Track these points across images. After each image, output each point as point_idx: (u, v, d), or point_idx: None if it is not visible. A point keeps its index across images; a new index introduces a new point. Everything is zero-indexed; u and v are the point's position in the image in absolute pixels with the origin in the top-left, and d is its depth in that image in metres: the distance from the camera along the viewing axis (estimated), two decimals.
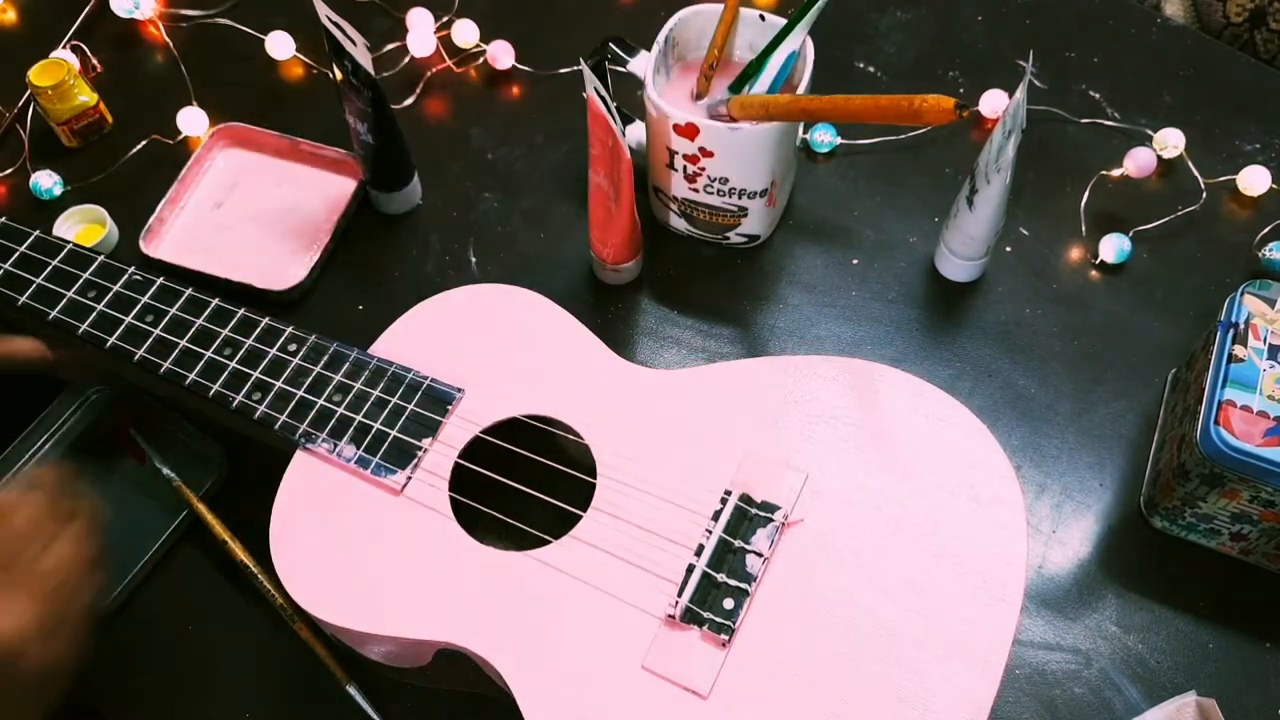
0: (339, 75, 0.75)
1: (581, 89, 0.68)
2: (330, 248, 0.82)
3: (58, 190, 0.85)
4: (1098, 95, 0.89)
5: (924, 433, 0.65)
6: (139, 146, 0.87)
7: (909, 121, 0.63)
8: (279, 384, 0.68)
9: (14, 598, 0.54)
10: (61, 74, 0.84)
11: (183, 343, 0.69)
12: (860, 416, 0.65)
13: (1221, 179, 0.84)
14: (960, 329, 0.79)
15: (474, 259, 0.83)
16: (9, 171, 0.87)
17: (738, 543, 0.62)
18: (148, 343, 0.69)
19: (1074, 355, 0.78)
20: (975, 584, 0.60)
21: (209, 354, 0.69)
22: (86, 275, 0.71)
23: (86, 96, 0.86)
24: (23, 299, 0.71)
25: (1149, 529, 0.71)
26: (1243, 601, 0.69)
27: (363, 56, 0.74)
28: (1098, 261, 0.81)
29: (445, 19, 0.93)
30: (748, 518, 0.62)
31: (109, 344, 0.69)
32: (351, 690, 0.66)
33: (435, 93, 0.91)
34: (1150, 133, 0.86)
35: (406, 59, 0.91)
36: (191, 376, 0.68)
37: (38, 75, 0.84)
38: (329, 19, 0.72)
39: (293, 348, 0.69)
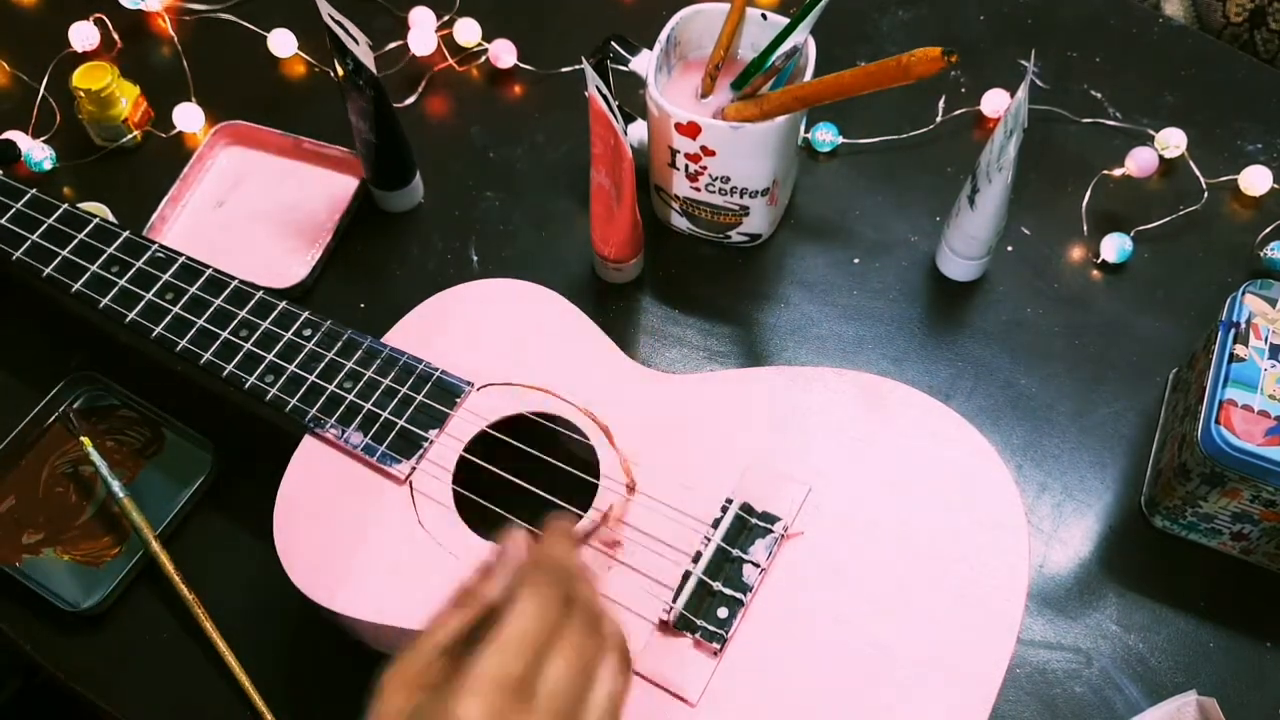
0: (341, 73, 0.75)
1: (583, 88, 0.68)
2: (332, 246, 0.82)
3: (48, 165, 0.86)
4: (1099, 95, 0.89)
5: (930, 452, 0.64)
6: (132, 135, 0.87)
7: (901, 81, 0.62)
8: (292, 368, 0.68)
9: None
10: (105, 78, 0.84)
11: (200, 322, 0.70)
12: (867, 432, 0.65)
13: (1223, 179, 0.84)
14: (961, 328, 0.79)
15: (475, 257, 0.83)
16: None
17: (736, 552, 0.61)
18: (166, 320, 0.70)
19: (1075, 355, 0.78)
20: (973, 609, 0.60)
21: (225, 334, 0.69)
22: (110, 250, 0.72)
23: (127, 98, 0.86)
24: (48, 270, 0.72)
25: (1150, 528, 0.71)
26: (1243, 601, 0.70)
27: (365, 55, 0.74)
28: (1099, 261, 0.81)
29: (447, 17, 0.93)
30: (747, 527, 0.62)
31: (129, 319, 0.70)
32: None
33: (437, 91, 0.91)
34: (1152, 132, 0.86)
35: (408, 57, 0.91)
36: (207, 356, 0.69)
37: (81, 79, 0.84)
38: (331, 17, 0.72)
39: (307, 332, 0.69)
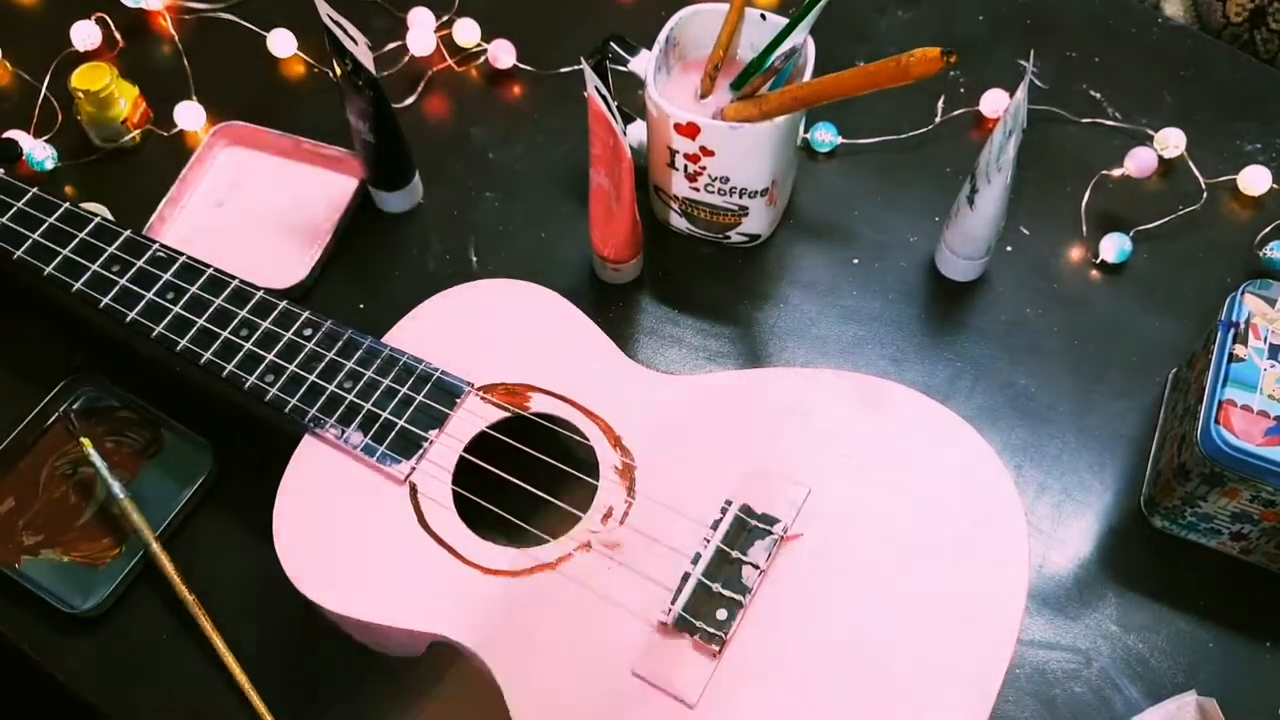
0: (340, 74, 0.75)
1: (583, 88, 0.68)
2: (331, 247, 0.82)
3: (50, 164, 0.86)
4: (1098, 95, 0.89)
5: (931, 454, 0.64)
6: (131, 135, 0.87)
7: (900, 81, 0.62)
8: (292, 367, 0.68)
9: None
10: (104, 79, 0.84)
11: (201, 321, 0.70)
12: (867, 433, 0.65)
13: (1222, 178, 0.84)
14: (961, 328, 0.79)
15: (475, 258, 0.83)
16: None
17: (735, 553, 0.61)
18: (166, 319, 0.70)
19: (1074, 355, 0.78)
20: (973, 609, 0.60)
21: (226, 334, 0.69)
22: (111, 249, 0.72)
23: (126, 99, 0.86)
24: (48, 269, 0.72)
25: (1149, 528, 0.71)
26: (1243, 601, 0.70)
27: (364, 55, 0.74)
28: (1098, 261, 0.81)
29: (446, 18, 0.93)
30: (746, 529, 0.62)
31: (129, 319, 0.70)
32: None
33: (436, 92, 0.91)
34: (1151, 132, 0.86)
35: (407, 58, 0.91)
36: (207, 355, 0.69)
37: (80, 80, 0.84)
38: (330, 17, 0.72)
39: (308, 332, 0.69)
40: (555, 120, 0.89)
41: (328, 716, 0.68)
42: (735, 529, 0.62)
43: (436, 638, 0.61)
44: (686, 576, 0.61)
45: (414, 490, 0.64)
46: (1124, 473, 0.74)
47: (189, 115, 0.88)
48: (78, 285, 0.71)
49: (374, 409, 0.67)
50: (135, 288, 0.71)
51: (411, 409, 0.67)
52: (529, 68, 0.91)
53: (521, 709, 0.57)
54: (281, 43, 0.92)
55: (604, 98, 0.67)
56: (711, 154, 0.73)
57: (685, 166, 0.75)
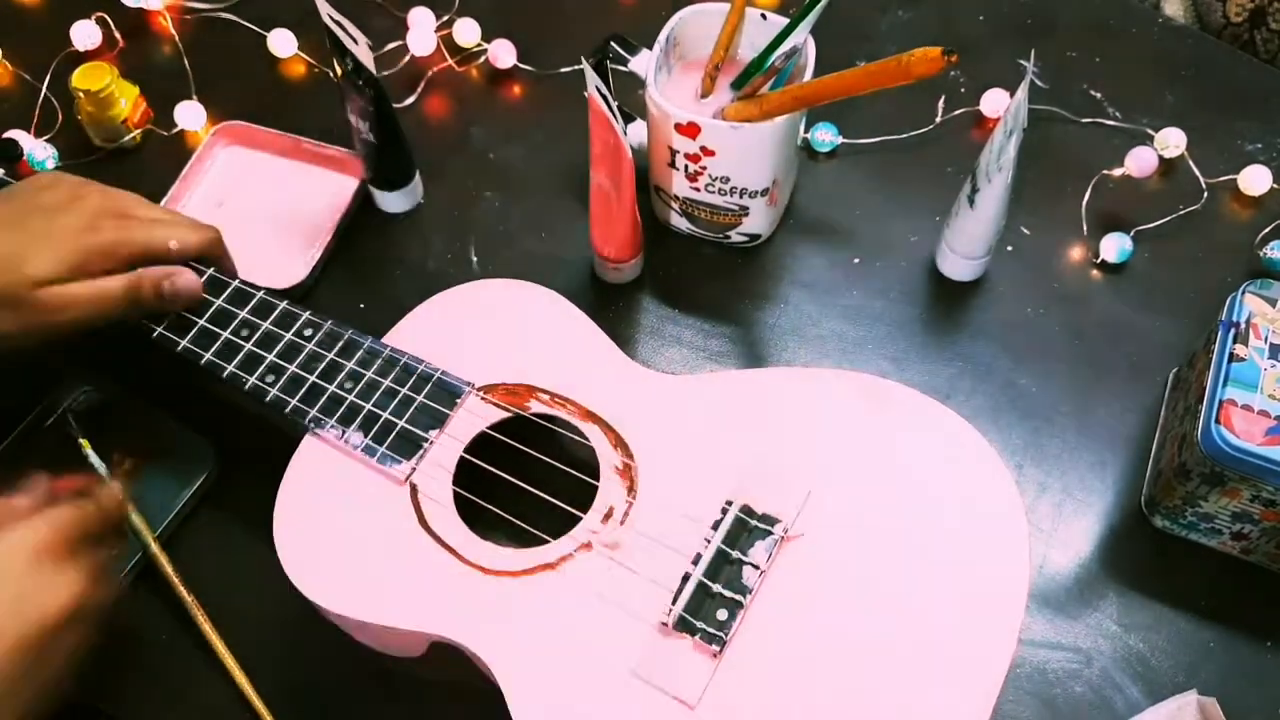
0: (340, 73, 0.75)
1: (583, 88, 0.68)
2: (332, 246, 0.82)
3: (50, 164, 0.86)
4: (1099, 95, 0.89)
5: (930, 452, 0.64)
6: (132, 135, 0.87)
7: (901, 80, 0.62)
8: (292, 368, 0.68)
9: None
10: (105, 79, 0.84)
11: (201, 322, 0.70)
12: (867, 432, 0.65)
13: (1222, 178, 0.84)
14: (961, 328, 0.79)
15: (475, 258, 0.83)
16: None
17: (735, 554, 0.61)
18: (166, 320, 0.70)
19: (1075, 354, 0.78)
20: (974, 609, 0.60)
21: (226, 334, 0.69)
22: None
23: (126, 99, 0.86)
24: None
25: (1150, 528, 0.71)
26: (1244, 601, 0.70)
27: (364, 55, 0.74)
28: (1099, 261, 0.81)
29: (446, 17, 0.93)
30: (747, 529, 0.62)
31: (130, 321, 0.70)
32: None
33: (436, 91, 0.91)
34: (1151, 132, 0.86)
35: (408, 58, 0.91)
36: (207, 356, 0.69)
37: (80, 79, 0.84)
38: (330, 17, 0.72)
39: (308, 333, 0.69)
40: (556, 120, 0.89)
41: (327, 717, 0.68)
42: (736, 529, 0.62)
43: (437, 638, 0.61)
44: (687, 577, 0.60)
45: (414, 490, 0.64)
46: (1125, 472, 0.74)
47: (189, 115, 0.88)
48: None
49: (374, 409, 0.67)
50: None
51: (412, 409, 0.67)
52: (529, 68, 0.91)
53: (522, 710, 0.57)
54: (282, 42, 0.92)
55: (604, 97, 0.67)
56: (712, 154, 0.73)
57: (686, 166, 0.75)
